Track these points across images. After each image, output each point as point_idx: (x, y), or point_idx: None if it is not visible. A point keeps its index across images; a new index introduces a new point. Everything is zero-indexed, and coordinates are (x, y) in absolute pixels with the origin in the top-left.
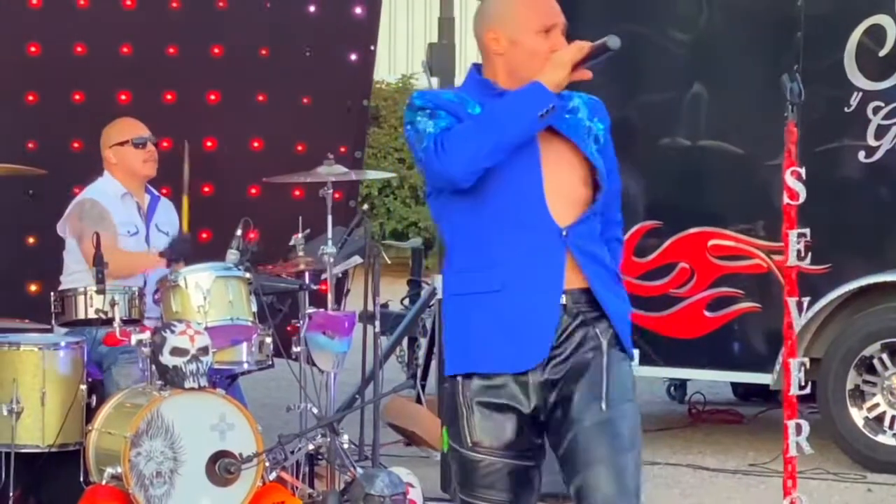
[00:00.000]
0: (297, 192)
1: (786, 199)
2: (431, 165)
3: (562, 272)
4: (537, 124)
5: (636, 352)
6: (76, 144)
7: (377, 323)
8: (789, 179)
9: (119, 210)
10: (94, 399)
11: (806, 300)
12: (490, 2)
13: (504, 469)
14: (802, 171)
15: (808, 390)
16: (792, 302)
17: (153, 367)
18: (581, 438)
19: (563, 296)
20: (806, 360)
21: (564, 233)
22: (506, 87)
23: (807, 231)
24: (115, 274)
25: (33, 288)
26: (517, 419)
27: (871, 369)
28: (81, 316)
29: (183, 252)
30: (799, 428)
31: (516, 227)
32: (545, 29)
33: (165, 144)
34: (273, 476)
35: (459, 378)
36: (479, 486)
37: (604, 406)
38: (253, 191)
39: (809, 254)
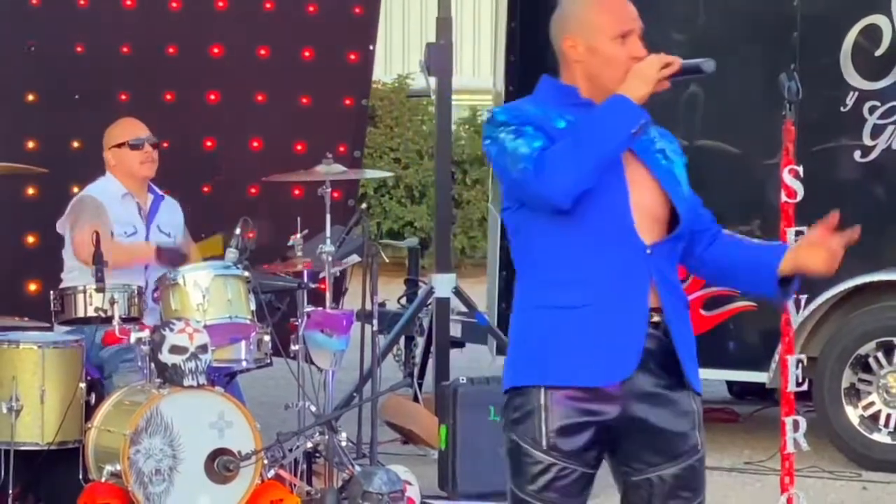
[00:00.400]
0: (296, 192)
1: (783, 198)
2: (530, 188)
3: (647, 289)
4: (630, 141)
5: None
6: (76, 144)
7: (375, 321)
8: (787, 178)
9: (118, 210)
10: (93, 397)
11: (803, 298)
12: (565, 8)
13: (573, 475)
14: (800, 169)
15: (804, 387)
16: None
17: (152, 364)
18: (666, 476)
19: (651, 313)
20: (803, 356)
21: (649, 251)
22: (587, 95)
23: (804, 229)
24: (109, 266)
25: (33, 287)
26: (595, 430)
27: (867, 368)
28: (81, 314)
29: (174, 261)
30: (796, 424)
31: (603, 244)
32: (622, 34)
33: (165, 145)
34: (271, 474)
35: (542, 388)
36: (543, 489)
37: (699, 445)
38: (252, 190)
39: None
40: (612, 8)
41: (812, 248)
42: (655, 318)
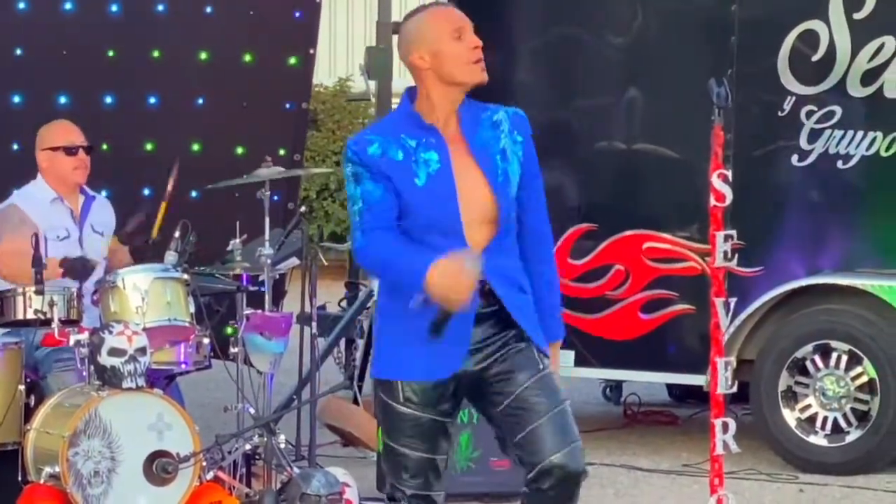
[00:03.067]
0: (235, 195)
1: (712, 202)
2: (352, 243)
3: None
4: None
5: (571, 353)
6: (14, 146)
7: (314, 324)
8: (716, 182)
9: (48, 215)
10: (32, 399)
11: (733, 301)
12: (405, 29)
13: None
14: (729, 173)
15: (734, 389)
16: (719, 302)
17: (91, 367)
18: (523, 395)
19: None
20: (733, 359)
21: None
22: (438, 101)
23: (733, 233)
24: (12, 278)
25: None
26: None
27: (804, 371)
28: (20, 316)
29: (76, 274)
30: (725, 426)
31: (434, 251)
32: (457, 32)
33: (105, 147)
34: (210, 476)
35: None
36: (403, 437)
37: (541, 366)
38: (192, 193)
39: (737, 255)
40: (442, 15)
41: None
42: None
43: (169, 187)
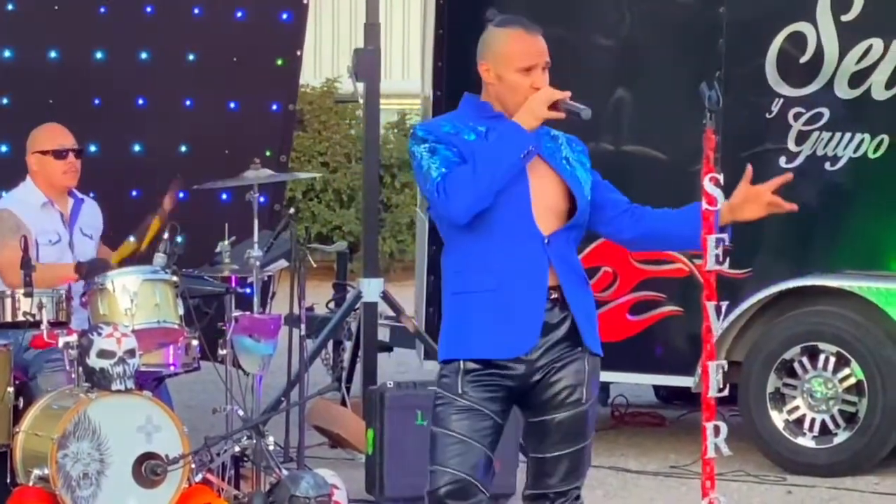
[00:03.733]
0: (223, 196)
1: (704, 205)
2: (436, 209)
3: (545, 273)
4: (520, 164)
5: None
6: (3, 148)
7: (303, 326)
8: (707, 186)
9: (39, 219)
10: (21, 401)
11: (725, 304)
12: (485, 37)
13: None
14: (721, 177)
15: (726, 392)
16: (710, 306)
17: (80, 369)
18: (557, 421)
19: (550, 291)
20: (724, 362)
21: (547, 240)
22: (499, 110)
23: (725, 236)
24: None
25: None
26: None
27: (792, 372)
28: (9, 319)
29: (94, 276)
30: (717, 430)
31: (506, 235)
32: (525, 69)
33: (93, 148)
34: (199, 478)
35: (460, 362)
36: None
37: (584, 399)
38: (180, 195)
39: (728, 258)
40: (520, 43)
41: (745, 201)
42: (555, 295)
43: (166, 206)
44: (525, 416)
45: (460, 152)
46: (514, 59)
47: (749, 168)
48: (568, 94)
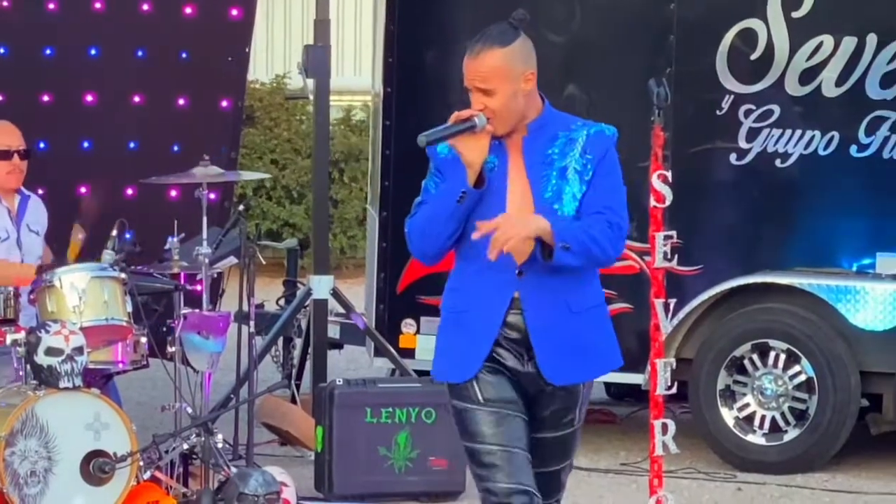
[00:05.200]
0: (172, 193)
1: (652, 202)
2: (406, 230)
3: (505, 303)
4: (461, 210)
5: None
6: None
7: (252, 323)
8: (656, 183)
9: None
10: None
11: (673, 301)
12: (530, 43)
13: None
14: (669, 174)
15: (674, 390)
16: (659, 303)
17: (28, 366)
18: (549, 440)
19: (506, 328)
20: (672, 360)
21: (519, 270)
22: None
23: (673, 233)
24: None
25: None
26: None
27: (742, 370)
28: None
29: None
30: (665, 427)
31: (482, 260)
32: (469, 88)
33: (42, 146)
34: (147, 475)
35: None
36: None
37: (575, 421)
38: (129, 192)
39: (677, 255)
40: (467, 63)
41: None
42: (513, 335)
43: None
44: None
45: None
46: (465, 76)
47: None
48: (455, 116)
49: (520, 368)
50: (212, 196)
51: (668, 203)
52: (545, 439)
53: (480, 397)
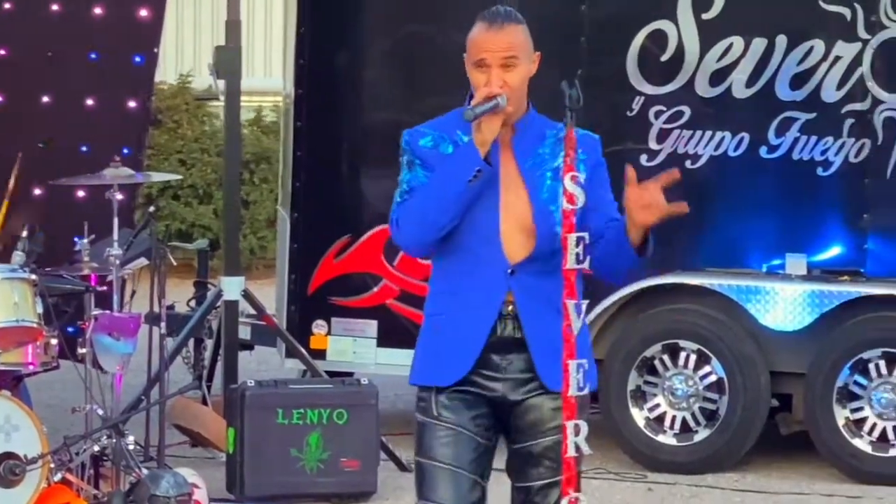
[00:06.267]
0: (80, 194)
1: (565, 204)
2: (393, 238)
3: (498, 303)
4: (469, 192)
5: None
6: None
7: (163, 324)
8: (568, 184)
9: None
10: None
11: (585, 302)
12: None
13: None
14: (582, 176)
15: (586, 391)
16: (571, 304)
17: None
18: (542, 447)
19: (506, 322)
20: (584, 361)
21: (510, 269)
22: None
23: (585, 234)
24: None
25: None
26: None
27: (653, 370)
28: None
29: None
30: (577, 428)
31: (472, 261)
32: (476, 64)
33: None
34: (58, 477)
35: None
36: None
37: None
38: (37, 192)
39: (589, 256)
40: (476, 37)
41: (635, 208)
42: (510, 328)
43: (11, 184)
44: (507, 443)
45: (432, 171)
46: (470, 53)
47: (630, 171)
48: (486, 90)
49: (500, 375)
50: (119, 197)
51: (580, 205)
52: (529, 448)
53: (436, 412)
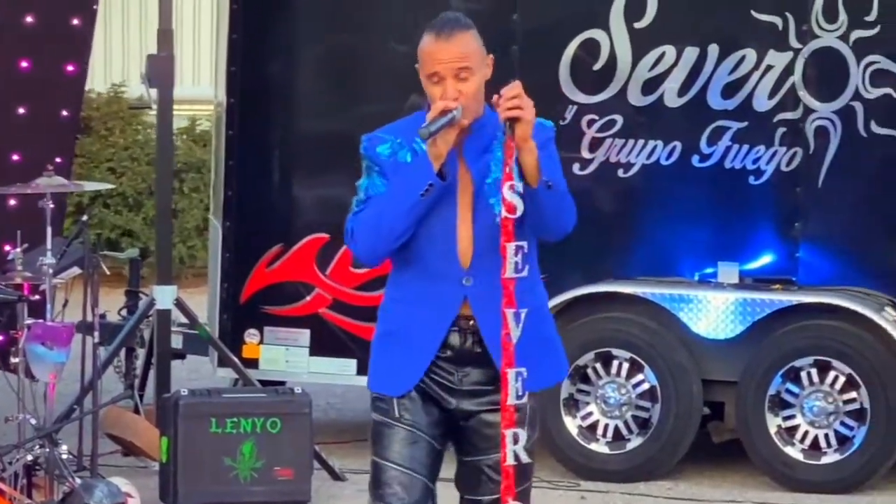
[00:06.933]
0: (11, 203)
1: (504, 213)
2: (348, 247)
3: (452, 313)
4: (422, 204)
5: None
6: None
7: (96, 334)
8: (507, 193)
9: None
10: None
11: (523, 312)
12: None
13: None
14: (520, 185)
15: (525, 400)
16: (510, 313)
17: None
18: (494, 462)
19: (463, 333)
20: (523, 370)
21: (466, 279)
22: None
23: (524, 243)
24: None
25: None
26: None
27: (585, 378)
28: None
29: None
30: (516, 437)
31: (426, 270)
32: (429, 77)
33: None
34: None
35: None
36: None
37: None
38: None
39: (527, 266)
40: (428, 49)
41: (501, 111)
42: (470, 339)
43: None
44: (458, 455)
45: (389, 178)
46: (423, 65)
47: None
48: (442, 104)
49: (456, 387)
50: (51, 206)
51: (518, 214)
52: (480, 462)
53: (397, 413)
